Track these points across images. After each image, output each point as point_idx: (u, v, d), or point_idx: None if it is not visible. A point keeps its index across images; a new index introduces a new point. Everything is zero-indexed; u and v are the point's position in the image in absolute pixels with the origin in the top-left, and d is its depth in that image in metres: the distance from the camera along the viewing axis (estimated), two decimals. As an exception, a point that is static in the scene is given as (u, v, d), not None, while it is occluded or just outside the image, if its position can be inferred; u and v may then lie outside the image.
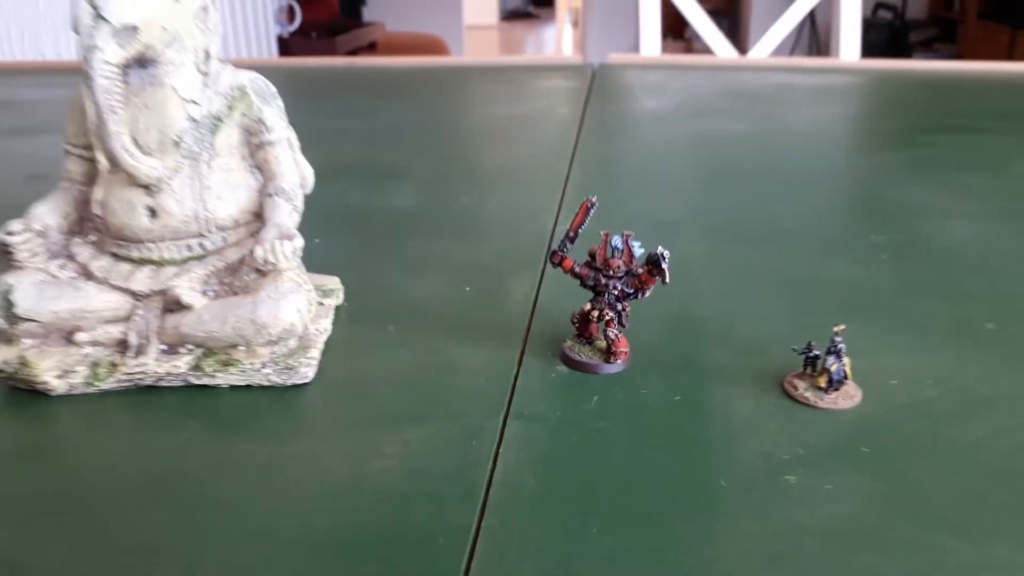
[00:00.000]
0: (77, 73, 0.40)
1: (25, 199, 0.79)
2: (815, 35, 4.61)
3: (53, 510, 0.35)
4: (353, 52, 3.14)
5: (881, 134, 1.00)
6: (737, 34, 5.12)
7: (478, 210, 0.68)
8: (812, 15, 4.15)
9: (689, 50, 4.83)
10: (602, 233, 0.43)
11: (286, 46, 2.96)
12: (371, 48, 3.32)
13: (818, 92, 1.17)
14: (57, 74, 1.32)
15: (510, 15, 8.57)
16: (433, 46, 4.14)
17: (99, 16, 0.39)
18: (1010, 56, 4.01)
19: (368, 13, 5.01)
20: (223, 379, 0.42)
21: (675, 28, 4.19)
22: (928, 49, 4.58)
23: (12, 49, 2.42)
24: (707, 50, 1.66)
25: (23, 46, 2.43)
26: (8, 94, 1.22)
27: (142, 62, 0.42)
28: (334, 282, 0.51)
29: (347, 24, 3.43)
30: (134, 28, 0.40)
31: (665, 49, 1.76)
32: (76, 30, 0.40)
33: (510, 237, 0.62)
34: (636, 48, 1.63)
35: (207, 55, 0.43)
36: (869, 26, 4.46)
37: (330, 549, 0.32)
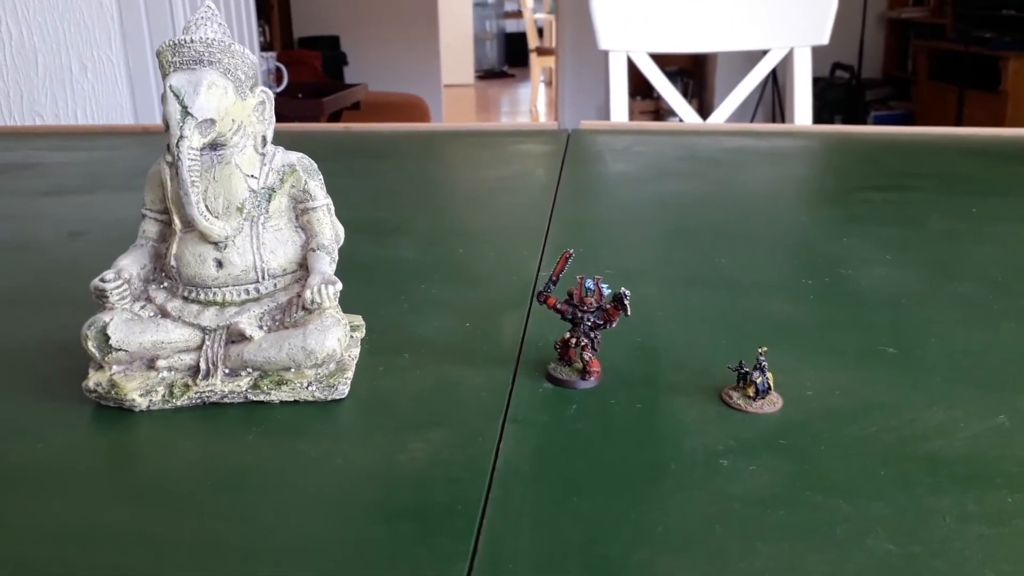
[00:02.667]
0: (93, 136, 0.51)
1: (72, 253, 0.90)
2: (776, 90, 4.82)
3: (150, 498, 0.45)
4: (338, 111, 3.27)
5: (824, 193, 1.13)
6: (703, 93, 5.34)
7: (472, 261, 0.80)
8: (773, 72, 4.35)
9: (657, 108, 5.03)
10: (578, 277, 0.55)
11: (274, 107, 3.09)
12: (355, 107, 3.44)
13: (771, 155, 1.30)
14: (72, 137, 1.43)
15: (486, 74, 8.83)
16: (414, 105, 4.31)
17: (187, 113, 0.50)
18: (959, 112, 4.23)
19: (350, 75, 5.19)
20: (276, 396, 0.53)
21: (643, 88, 4.39)
22: (884, 107, 4.79)
23: (11, 111, 2.55)
24: (672, 109, 1.80)
25: (22, 109, 2.56)
26: (30, 157, 1.32)
27: (214, 145, 0.53)
28: (358, 319, 0.62)
29: (332, 85, 3.57)
30: (212, 121, 0.51)
31: (634, 108, 1.90)
32: (167, 122, 0.51)
33: (500, 283, 0.74)
34: (607, 106, 1.76)
35: (264, 140, 0.55)
36: (828, 85, 4.69)
37: (377, 515, 0.43)
